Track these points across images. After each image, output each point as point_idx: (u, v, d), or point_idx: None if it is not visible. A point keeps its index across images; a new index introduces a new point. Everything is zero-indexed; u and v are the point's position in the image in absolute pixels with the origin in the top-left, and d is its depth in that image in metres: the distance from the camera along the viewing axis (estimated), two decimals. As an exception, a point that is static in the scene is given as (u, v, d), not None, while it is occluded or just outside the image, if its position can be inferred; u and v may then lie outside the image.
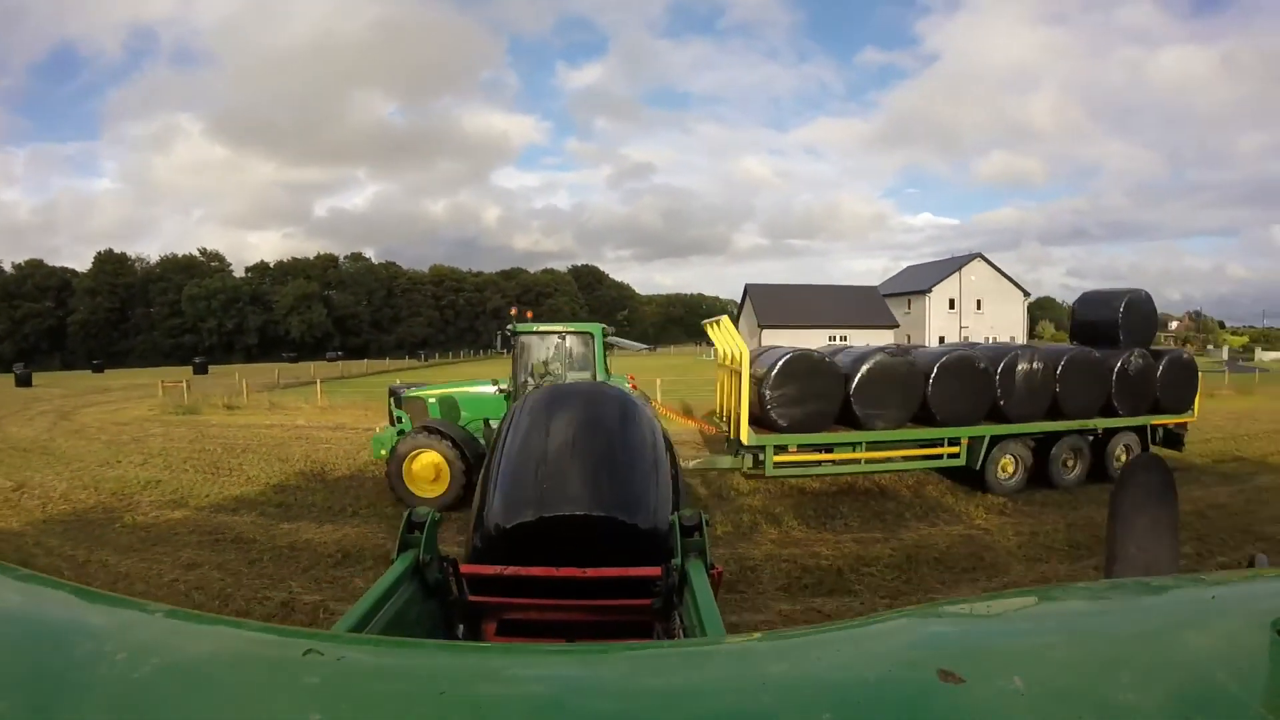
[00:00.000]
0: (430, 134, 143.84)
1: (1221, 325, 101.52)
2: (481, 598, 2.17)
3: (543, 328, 9.94)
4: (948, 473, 10.02)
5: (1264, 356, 60.65)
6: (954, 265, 49.59)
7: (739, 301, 55.63)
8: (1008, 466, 9.56)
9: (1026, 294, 52.43)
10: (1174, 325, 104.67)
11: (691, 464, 9.54)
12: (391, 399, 10.30)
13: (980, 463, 9.27)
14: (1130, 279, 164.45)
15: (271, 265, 78.73)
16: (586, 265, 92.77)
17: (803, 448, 8.97)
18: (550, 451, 2.44)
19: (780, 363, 8.72)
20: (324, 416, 18.49)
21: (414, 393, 10.16)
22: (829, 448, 9.04)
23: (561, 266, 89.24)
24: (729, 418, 9.50)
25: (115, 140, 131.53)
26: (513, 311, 10.10)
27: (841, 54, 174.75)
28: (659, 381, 20.13)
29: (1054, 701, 0.66)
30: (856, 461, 9.06)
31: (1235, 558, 6.78)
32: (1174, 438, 10.82)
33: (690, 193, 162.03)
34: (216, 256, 77.05)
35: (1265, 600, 0.93)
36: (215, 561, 6.98)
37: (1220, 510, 8.61)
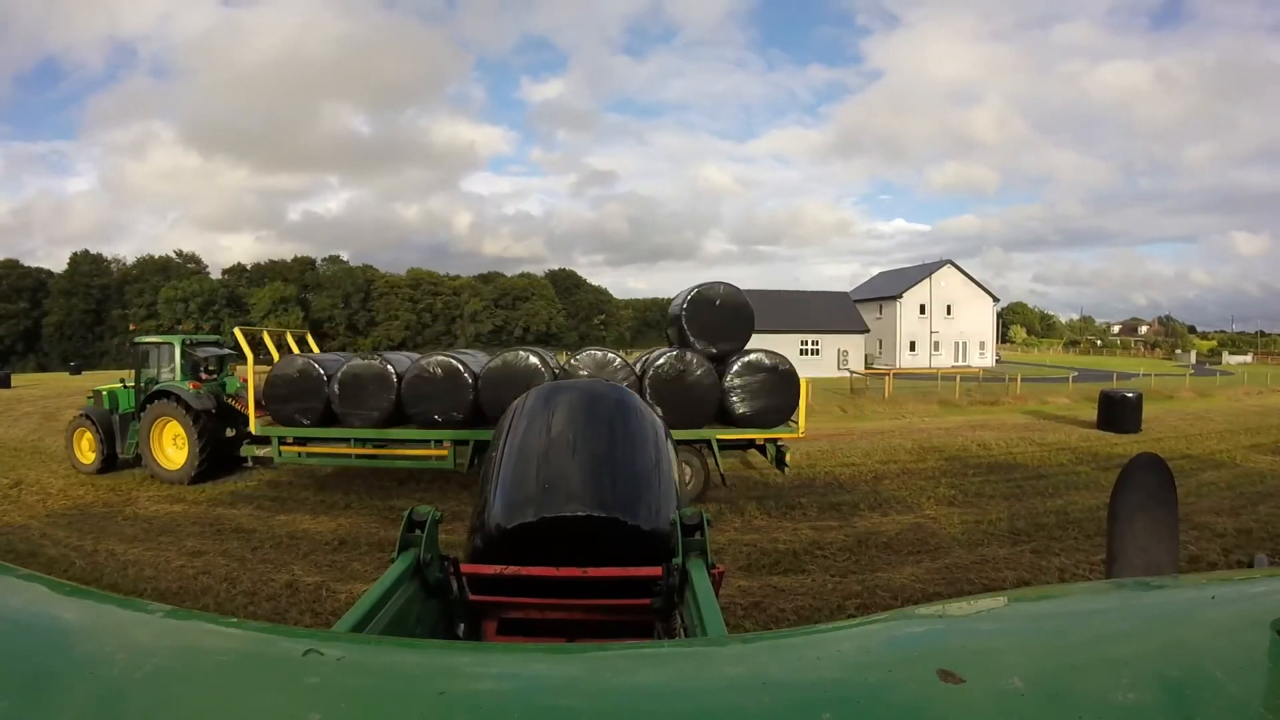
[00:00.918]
0: (399, 144, 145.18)
1: (1192, 330, 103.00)
2: (482, 597, 2.16)
3: (152, 339, 12.02)
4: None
5: (1231, 360, 62.23)
6: (925, 271, 50.36)
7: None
8: None
9: (996, 299, 53.67)
10: (1143, 330, 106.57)
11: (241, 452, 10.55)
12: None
13: (469, 465, 9.16)
14: (1094, 284, 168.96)
15: (249, 267, 77.80)
16: (564, 269, 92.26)
17: (299, 440, 9.95)
18: (551, 450, 2.41)
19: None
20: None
21: (102, 386, 12.28)
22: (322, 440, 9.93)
23: (538, 271, 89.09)
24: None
25: (91, 143, 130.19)
26: (132, 327, 12.19)
27: (790, 71, 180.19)
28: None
29: (1054, 701, 0.65)
30: (348, 456, 9.95)
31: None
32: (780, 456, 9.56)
33: (655, 200, 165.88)
34: (193, 258, 75.98)
35: (1265, 600, 0.93)
36: (219, 549, 7.45)
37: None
